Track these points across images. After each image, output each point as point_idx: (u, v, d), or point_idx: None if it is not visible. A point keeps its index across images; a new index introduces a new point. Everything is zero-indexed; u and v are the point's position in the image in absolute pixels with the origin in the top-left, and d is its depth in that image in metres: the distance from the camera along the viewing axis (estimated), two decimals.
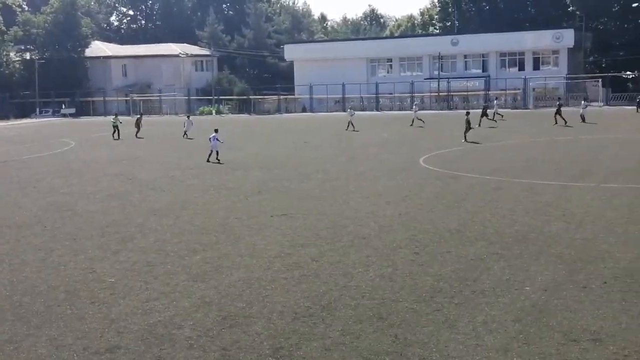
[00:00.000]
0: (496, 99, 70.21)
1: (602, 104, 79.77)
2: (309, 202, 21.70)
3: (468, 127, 39.21)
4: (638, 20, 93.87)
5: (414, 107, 61.83)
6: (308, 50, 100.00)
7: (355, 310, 11.18)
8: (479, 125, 48.94)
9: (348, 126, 52.32)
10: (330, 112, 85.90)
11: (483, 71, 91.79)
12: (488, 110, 54.39)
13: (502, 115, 59.01)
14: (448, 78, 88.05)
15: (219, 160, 32.92)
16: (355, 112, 57.76)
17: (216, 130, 34.49)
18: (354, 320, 10.75)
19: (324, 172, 28.58)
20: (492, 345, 9.55)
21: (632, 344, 9.38)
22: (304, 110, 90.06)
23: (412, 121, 54.29)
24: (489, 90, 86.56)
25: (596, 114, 58.98)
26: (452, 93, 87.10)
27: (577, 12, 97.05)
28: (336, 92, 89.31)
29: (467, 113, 40.82)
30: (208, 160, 33.01)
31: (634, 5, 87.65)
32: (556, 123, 49.50)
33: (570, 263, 13.45)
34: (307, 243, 15.99)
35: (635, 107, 64.07)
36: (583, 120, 51.13)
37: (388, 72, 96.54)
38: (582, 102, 56.12)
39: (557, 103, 54.05)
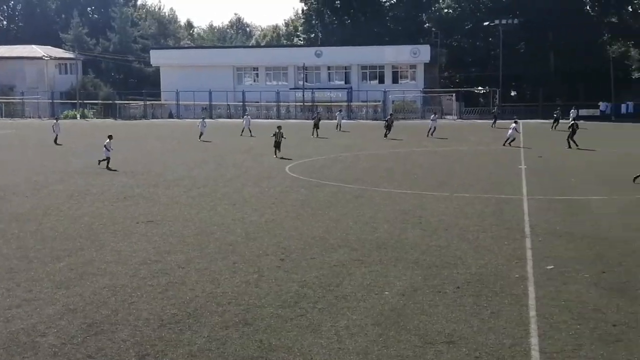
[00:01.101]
0: (340, 111, 71.40)
1: (455, 117, 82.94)
2: (176, 208, 21.41)
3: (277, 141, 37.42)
4: (489, 38, 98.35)
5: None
6: (174, 56, 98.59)
7: (222, 317, 11.14)
8: (313, 135, 50.95)
9: (243, 132, 52.92)
10: (197, 118, 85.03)
11: (346, 83, 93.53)
12: (320, 122, 55.40)
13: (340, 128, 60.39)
14: (312, 88, 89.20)
15: (109, 167, 31.62)
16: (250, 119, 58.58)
17: (110, 137, 33.00)
18: (220, 326, 10.72)
19: (190, 179, 28.27)
20: (354, 349, 9.76)
21: (482, 345, 9.83)
22: (170, 116, 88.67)
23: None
24: (351, 102, 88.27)
25: (451, 127, 61.25)
26: (316, 103, 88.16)
27: (433, 29, 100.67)
28: (203, 99, 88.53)
29: (279, 127, 38.67)
30: (103, 165, 31.88)
31: (485, 23, 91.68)
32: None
33: (426, 268, 13.93)
34: (173, 250, 15.77)
35: (490, 122, 66.49)
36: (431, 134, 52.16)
37: (254, 81, 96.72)
38: (432, 115, 57.69)
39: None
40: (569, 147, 41.47)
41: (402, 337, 10.20)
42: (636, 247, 15.74)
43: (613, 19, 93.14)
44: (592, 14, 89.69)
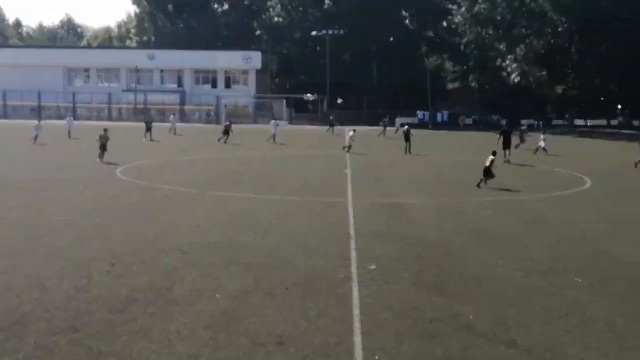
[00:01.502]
0: (174, 114, 70.67)
1: (286, 122, 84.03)
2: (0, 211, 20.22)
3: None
4: (317, 47, 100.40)
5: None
6: (1, 55, 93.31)
7: (49, 323, 10.61)
8: (145, 138, 50.34)
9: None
10: (31, 119, 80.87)
11: (179, 86, 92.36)
12: (153, 124, 54.80)
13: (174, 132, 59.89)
14: (145, 91, 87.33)
15: None
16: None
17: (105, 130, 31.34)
18: (47, 333, 10.20)
19: (15, 182, 26.77)
20: (184, 353, 9.62)
21: (309, 345, 9.98)
22: None
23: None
24: (184, 105, 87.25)
25: (282, 132, 61.88)
26: (149, 106, 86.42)
27: (264, 36, 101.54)
28: (32, 99, 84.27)
29: (105, 130, 37.08)
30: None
31: (313, 33, 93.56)
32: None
33: (257, 271, 13.95)
34: None
35: (325, 128, 67.63)
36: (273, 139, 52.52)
37: (85, 82, 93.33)
38: (273, 121, 58.31)
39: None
40: (406, 152, 43.31)
41: (232, 339, 10.16)
42: (451, 248, 16.56)
43: (430, 33, 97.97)
44: (411, 28, 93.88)
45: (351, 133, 45.54)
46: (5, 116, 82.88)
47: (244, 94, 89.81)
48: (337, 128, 64.35)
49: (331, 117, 73.11)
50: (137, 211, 20.96)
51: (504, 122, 58.88)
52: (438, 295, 12.54)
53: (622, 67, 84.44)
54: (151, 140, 49.96)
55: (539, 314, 11.59)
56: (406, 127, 46.21)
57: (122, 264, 14.32)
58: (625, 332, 10.80)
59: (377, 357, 9.59)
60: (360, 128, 61.58)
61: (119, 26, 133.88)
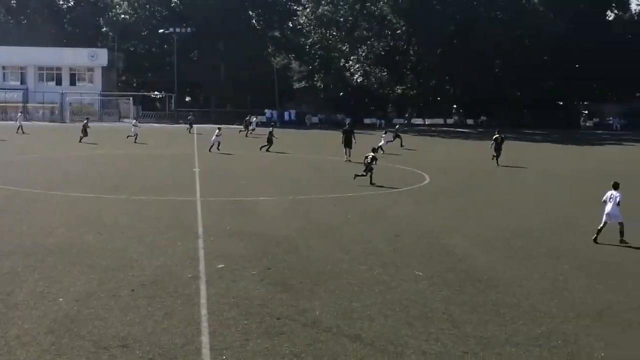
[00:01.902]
0: (20, 112, 67.24)
1: (134, 120, 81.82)
2: None
3: None
4: (164, 45, 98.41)
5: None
6: None
7: None
8: None
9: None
10: None
11: (21, 83, 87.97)
12: None
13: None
14: None
15: None
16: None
17: None
18: None
19: None
20: (25, 359, 9.12)
21: (156, 346, 9.71)
22: None
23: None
24: (27, 103, 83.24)
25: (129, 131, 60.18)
26: None
27: (111, 34, 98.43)
28: None
29: None
30: None
31: (160, 31, 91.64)
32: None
33: (102, 272, 13.44)
34: None
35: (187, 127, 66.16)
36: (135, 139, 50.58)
37: None
38: (134, 121, 56.46)
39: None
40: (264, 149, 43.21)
41: (75, 343, 9.72)
42: (297, 245, 16.68)
43: (277, 34, 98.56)
44: (258, 28, 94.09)
45: (217, 132, 44.89)
46: None
47: (89, 92, 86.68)
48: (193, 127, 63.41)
49: (190, 117, 71.72)
50: None
51: (347, 121, 59.64)
52: (285, 292, 12.58)
53: (457, 68, 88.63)
54: None
55: (382, 307, 11.87)
56: (271, 128, 46.75)
57: None
58: (462, 321, 11.26)
59: (224, 357, 9.47)
60: (208, 127, 61.10)
61: None
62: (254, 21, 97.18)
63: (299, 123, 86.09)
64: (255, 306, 11.68)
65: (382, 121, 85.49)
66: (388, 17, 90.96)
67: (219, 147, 43.11)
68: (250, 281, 13.24)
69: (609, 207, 17.50)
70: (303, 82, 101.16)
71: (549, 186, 30.61)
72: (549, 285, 13.57)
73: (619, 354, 10.05)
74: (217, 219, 19.77)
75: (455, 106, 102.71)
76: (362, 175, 28.35)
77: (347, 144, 39.02)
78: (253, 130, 60.81)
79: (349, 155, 38.28)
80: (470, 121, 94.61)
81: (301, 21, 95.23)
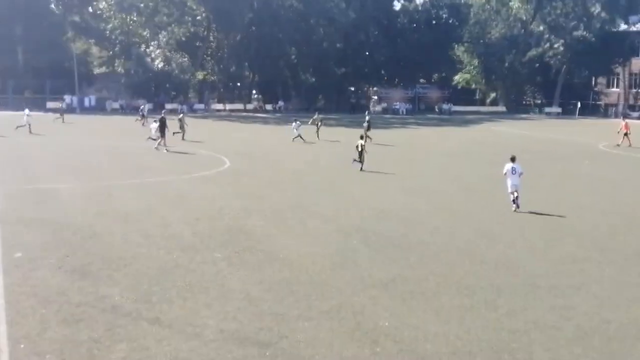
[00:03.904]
0: None
1: (26, 110, 74.89)
2: None
3: None
4: None
5: None
6: None
7: None
8: None
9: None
10: None
11: None
12: None
13: None
14: None
15: None
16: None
17: None
18: None
19: None
20: None
21: None
22: None
23: None
24: None
25: None
26: None
27: None
28: None
29: None
30: None
31: None
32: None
33: None
34: None
35: None
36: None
37: None
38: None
39: None
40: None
41: None
42: (96, 231, 16.29)
43: (76, 18, 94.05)
44: (56, 12, 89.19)
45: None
46: None
47: None
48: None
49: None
50: None
51: (145, 107, 56.85)
52: (84, 279, 12.30)
53: (255, 55, 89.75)
54: None
55: (181, 290, 11.95)
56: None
57: None
58: (258, 299, 11.61)
59: (22, 345, 9.13)
60: (5, 113, 57.42)
61: None
62: (52, 5, 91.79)
63: (100, 109, 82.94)
64: (54, 294, 11.35)
65: (184, 106, 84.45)
66: (188, 4, 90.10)
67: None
68: (48, 269, 12.81)
69: (513, 179, 20.09)
70: (104, 68, 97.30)
71: (337, 164, 31.83)
72: (339, 261, 14.22)
73: (400, 322, 10.75)
74: (13, 207, 18.81)
75: (254, 92, 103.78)
76: (359, 161, 29.29)
77: (162, 131, 37.23)
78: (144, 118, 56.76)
79: (165, 145, 36.64)
80: (269, 106, 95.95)
81: (101, 6, 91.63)
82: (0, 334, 9.55)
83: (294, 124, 44.18)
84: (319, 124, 45.94)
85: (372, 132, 43.47)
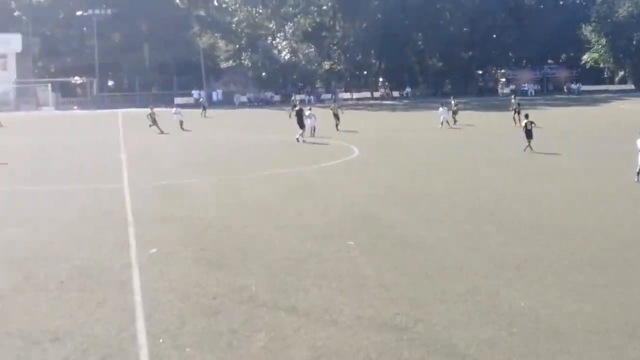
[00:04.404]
0: None
1: (53, 108, 79.82)
2: None
3: None
4: (83, 28, 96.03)
5: None
6: None
7: None
8: None
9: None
10: None
11: None
12: None
13: None
14: None
15: None
16: None
17: None
18: None
19: None
20: None
21: (89, 337, 9.59)
22: None
23: None
24: None
25: (50, 119, 58.77)
26: None
27: (24, 18, 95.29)
28: None
29: None
30: None
31: (78, 13, 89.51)
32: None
33: (28, 266, 13.15)
34: None
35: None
36: None
37: None
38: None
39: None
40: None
41: (4, 341, 9.51)
42: (230, 224, 16.68)
43: (201, 12, 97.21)
44: (181, 7, 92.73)
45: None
46: None
47: (3, 80, 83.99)
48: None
49: (201, 101, 68.44)
50: None
51: (297, 100, 56.34)
52: (220, 271, 12.59)
53: (381, 43, 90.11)
54: None
55: (316, 278, 12.04)
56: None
57: None
58: (393, 285, 11.59)
59: (161, 340, 9.44)
60: (132, 110, 60.14)
61: None
62: (177, 1, 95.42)
63: (227, 103, 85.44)
64: (191, 288, 11.66)
65: (312, 97, 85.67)
66: None
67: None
68: (184, 264, 13.19)
69: None
70: (230, 61, 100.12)
71: (472, 152, 31.19)
72: (472, 244, 14.12)
73: (536, 302, 10.58)
74: (147, 204, 19.56)
75: (381, 79, 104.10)
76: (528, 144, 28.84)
77: (301, 123, 36.84)
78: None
79: (302, 135, 36.28)
80: (396, 93, 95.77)
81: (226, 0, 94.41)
82: (139, 329, 9.86)
83: (440, 109, 43.95)
84: (455, 109, 45.64)
85: (502, 114, 42.52)
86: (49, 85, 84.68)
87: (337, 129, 41.94)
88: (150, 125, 43.65)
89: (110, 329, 9.90)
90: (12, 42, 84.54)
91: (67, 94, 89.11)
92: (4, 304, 11.03)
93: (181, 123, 46.30)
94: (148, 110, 45.86)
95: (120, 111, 65.77)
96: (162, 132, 43.10)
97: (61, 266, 13.20)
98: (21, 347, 9.31)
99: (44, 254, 14.08)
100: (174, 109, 49.78)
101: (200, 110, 61.88)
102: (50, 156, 33.09)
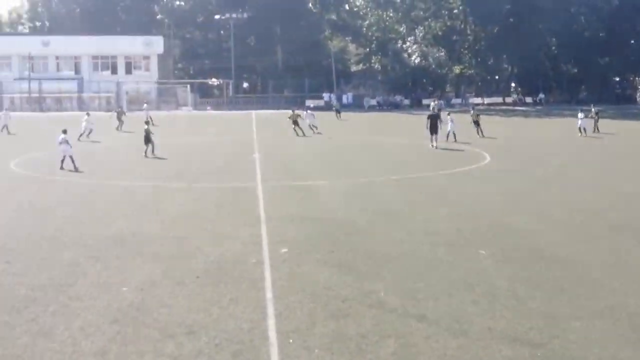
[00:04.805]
0: (146, 103, 65.83)
1: (191, 108, 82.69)
2: None
3: None
4: (220, 31, 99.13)
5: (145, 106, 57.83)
6: None
7: None
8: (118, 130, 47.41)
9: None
10: None
11: (76, 73, 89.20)
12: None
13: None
14: (39, 79, 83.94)
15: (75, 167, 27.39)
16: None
17: (65, 132, 28.56)
18: None
19: None
20: (90, 350, 9.18)
21: (222, 332, 9.77)
22: None
23: None
24: (82, 93, 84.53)
25: (188, 118, 60.79)
26: (44, 95, 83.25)
27: (166, 20, 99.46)
28: None
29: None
30: (62, 168, 27.31)
31: (216, 17, 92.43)
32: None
33: (166, 261, 13.60)
34: None
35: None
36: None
37: None
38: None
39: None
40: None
41: (141, 332, 9.82)
42: (359, 227, 16.64)
43: (333, 16, 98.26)
44: (314, 10, 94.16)
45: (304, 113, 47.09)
46: None
47: (146, 80, 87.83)
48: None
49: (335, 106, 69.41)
50: (34, 205, 20.06)
51: (433, 104, 54.64)
52: (349, 274, 12.55)
53: (513, 47, 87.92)
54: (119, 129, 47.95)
55: (446, 287, 11.78)
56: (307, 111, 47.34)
57: (19, 262, 13.56)
58: (526, 298, 11.15)
59: (291, 340, 9.50)
60: (265, 112, 61.36)
61: (10, 12, 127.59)
62: (310, 4, 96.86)
63: (357, 106, 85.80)
64: (320, 289, 11.69)
65: (442, 102, 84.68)
66: None
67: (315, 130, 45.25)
68: (314, 264, 13.25)
69: None
70: (360, 65, 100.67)
71: (613, 162, 29.85)
72: (612, 260, 13.40)
73: None
74: (278, 204, 19.84)
75: (513, 84, 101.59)
76: None
77: (433, 129, 35.52)
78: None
79: (436, 142, 35.23)
80: (528, 99, 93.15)
81: (357, 3, 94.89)
82: (269, 327, 9.96)
83: (580, 114, 42.60)
84: (596, 117, 43.98)
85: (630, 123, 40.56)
86: (188, 86, 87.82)
87: (479, 135, 41.12)
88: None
89: (242, 325, 10.05)
90: (155, 44, 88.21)
91: (204, 95, 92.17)
92: (143, 296, 11.41)
93: (312, 125, 46.61)
94: (289, 112, 46.73)
95: (254, 112, 67.23)
96: (304, 134, 43.61)
97: (197, 261, 13.57)
98: (158, 339, 9.58)
99: (182, 249, 14.53)
100: (304, 112, 50.39)
101: (334, 113, 62.50)
102: (189, 154, 34.20)
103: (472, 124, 42.44)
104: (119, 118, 50.19)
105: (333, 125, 54.53)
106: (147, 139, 32.43)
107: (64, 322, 10.22)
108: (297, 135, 43.12)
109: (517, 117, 67.69)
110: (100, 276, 12.60)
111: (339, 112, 62.93)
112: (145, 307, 10.85)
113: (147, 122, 35.46)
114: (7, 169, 28.27)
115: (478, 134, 41.35)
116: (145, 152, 31.94)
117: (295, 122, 43.70)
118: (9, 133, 46.63)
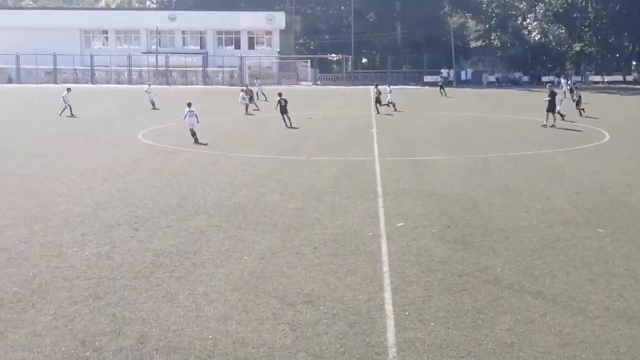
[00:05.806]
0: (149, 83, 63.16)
1: (311, 83, 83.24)
2: (14, 179, 19.98)
3: None
4: (341, 7, 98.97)
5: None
6: (14, 16, 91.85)
7: (70, 292, 10.34)
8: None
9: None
10: (40, 83, 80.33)
11: (201, 48, 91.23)
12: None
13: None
14: (166, 53, 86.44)
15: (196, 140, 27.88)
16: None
17: (189, 104, 28.60)
18: (68, 302, 9.93)
19: (31, 147, 26.87)
20: (212, 315, 9.48)
21: (339, 302, 9.89)
22: (9, 81, 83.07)
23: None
24: (207, 67, 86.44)
25: (307, 93, 61.22)
26: (170, 68, 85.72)
27: None
28: (47, 62, 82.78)
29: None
30: (196, 142, 27.72)
31: None
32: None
33: (285, 231, 13.87)
34: (13, 224, 14.50)
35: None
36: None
37: (104, 45, 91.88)
38: (146, 87, 51.83)
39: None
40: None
41: (261, 300, 10.06)
42: (476, 203, 16.40)
43: None
44: None
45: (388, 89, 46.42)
46: (19, 80, 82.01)
47: (268, 55, 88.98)
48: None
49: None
50: (160, 175, 20.81)
51: (549, 82, 50.81)
52: (465, 250, 12.42)
53: (635, 25, 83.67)
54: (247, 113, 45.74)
55: (563, 264, 11.52)
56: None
57: (146, 229, 14.14)
58: None
59: (407, 313, 9.51)
60: (382, 88, 60.96)
61: None
62: None
63: (476, 82, 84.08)
64: (436, 263, 11.63)
65: (561, 79, 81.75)
66: None
67: (392, 106, 43.81)
68: (430, 239, 13.18)
69: None
70: (480, 41, 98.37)
71: None
72: None
73: None
74: (395, 179, 19.80)
75: (634, 63, 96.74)
76: None
77: (551, 108, 33.94)
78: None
79: (554, 120, 33.81)
80: None
81: None
82: (385, 300, 9.99)
83: None
84: None
85: None
86: (309, 61, 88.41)
87: (581, 114, 39.03)
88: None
89: (359, 296, 10.14)
90: (277, 20, 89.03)
91: (323, 70, 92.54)
92: (264, 265, 11.68)
93: (390, 102, 45.11)
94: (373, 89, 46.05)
95: (372, 88, 67.00)
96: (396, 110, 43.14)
97: (315, 232, 13.76)
98: (277, 307, 9.79)
99: (300, 221, 14.76)
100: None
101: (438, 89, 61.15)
102: (306, 128, 34.51)
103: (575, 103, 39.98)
104: (251, 99, 45.06)
105: (452, 102, 53.65)
106: (283, 110, 34.33)
107: (188, 288, 10.58)
108: (378, 113, 42.22)
109: (638, 95, 64.46)
110: (223, 244, 12.98)
111: (443, 88, 61.20)
112: (266, 276, 11.11)
113: (280, 94, 35.76)
114: (135, 140, 29.43)
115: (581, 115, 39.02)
116: (290, 123, 34.29)
117: (378, 100, 43.06)
118: (154, 108, 45.99)
